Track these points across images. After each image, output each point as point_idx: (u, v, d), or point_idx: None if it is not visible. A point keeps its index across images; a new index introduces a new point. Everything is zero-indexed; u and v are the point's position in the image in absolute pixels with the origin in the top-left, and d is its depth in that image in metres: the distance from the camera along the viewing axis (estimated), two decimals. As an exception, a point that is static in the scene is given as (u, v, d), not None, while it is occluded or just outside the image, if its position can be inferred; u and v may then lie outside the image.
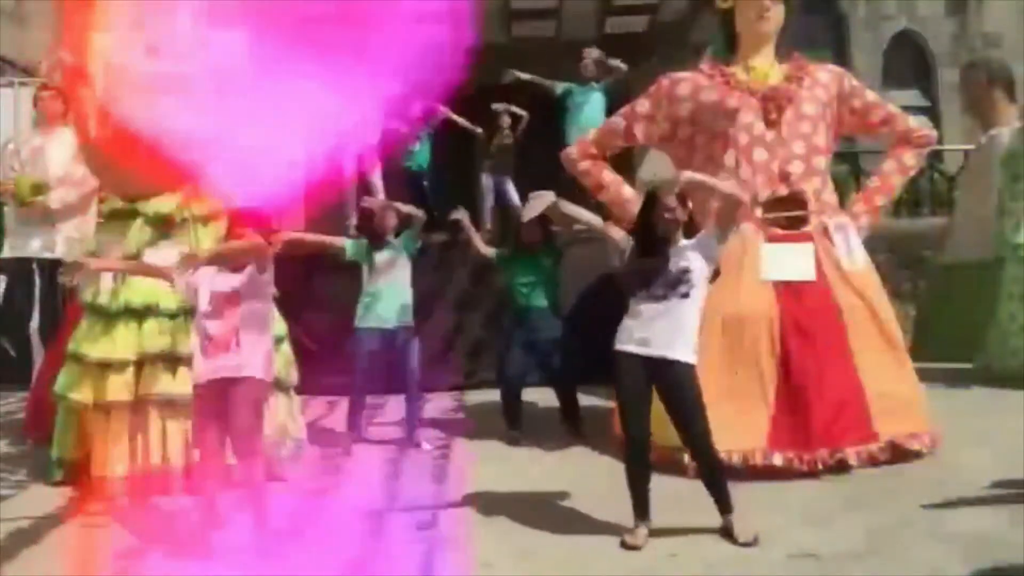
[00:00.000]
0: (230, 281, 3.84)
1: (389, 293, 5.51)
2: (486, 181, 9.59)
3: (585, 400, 5.72)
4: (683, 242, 3.84)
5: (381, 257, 5.57)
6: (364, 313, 5.54)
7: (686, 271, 3.76)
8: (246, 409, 3.71)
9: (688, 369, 3.75)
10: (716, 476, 3.82)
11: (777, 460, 4.53)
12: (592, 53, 8.90)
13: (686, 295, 3.74)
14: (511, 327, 5.78)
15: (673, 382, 3.74)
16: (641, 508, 3.76)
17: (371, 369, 5.51)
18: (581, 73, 8.89)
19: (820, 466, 4.53)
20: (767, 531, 3.74)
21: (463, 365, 7.38)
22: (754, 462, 4.51)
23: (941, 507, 4.00)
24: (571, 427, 5.61)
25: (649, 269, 3.79)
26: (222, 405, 3.71)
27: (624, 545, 3.66)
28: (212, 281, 3.85)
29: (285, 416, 4.91)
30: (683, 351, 3.74)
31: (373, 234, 5.70)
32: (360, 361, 5.48)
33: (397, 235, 5.69)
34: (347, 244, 5.74)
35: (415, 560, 3.60)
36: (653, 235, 3.85)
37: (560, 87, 8.98)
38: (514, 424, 5.60)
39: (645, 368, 3.74)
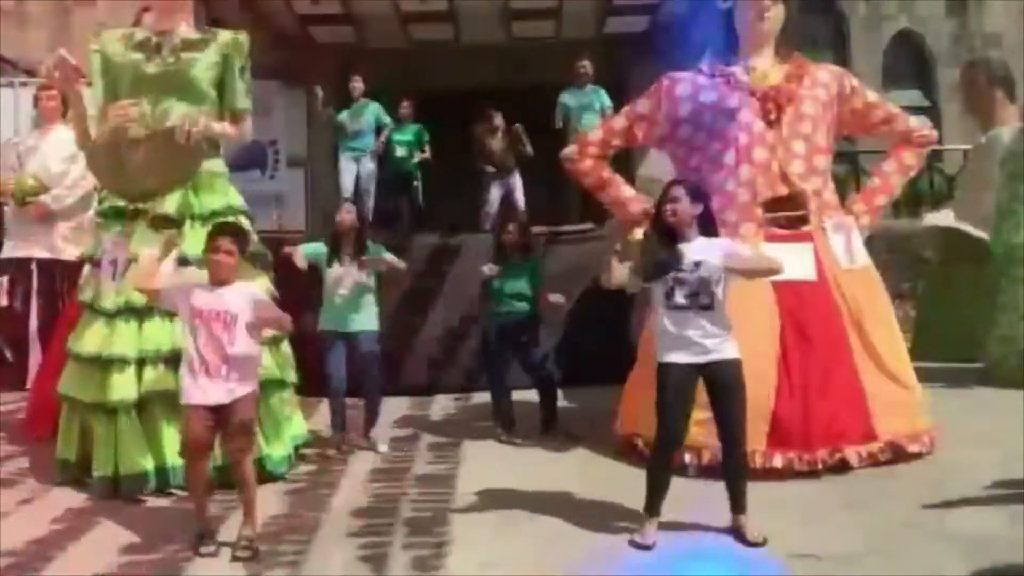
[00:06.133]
0: (227, 301, 3.77)
1: (350, 299, 5.40)
2: (495, 192, 9.54)
3: (585, 401, 5.71)
4: (697, 240, 3.83)
5: (341, 265, 5.45)
6: (323, 316, 5.48)
7: (699, 265, 3.73)
8: (240, 418, 3.69)
9: (738, 365, 3.79)
10: (740, 473, 3.83)
11: (777, 460, 4.52)
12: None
13: (707, 307, 3.73)
14: (495, 333, 5.74)
15: (727, 381, 3.76)
16: (655, 507, 3.74)
17: (338, 372, 5.44)
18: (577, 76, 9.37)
19: (820, 466, 4.52)
20: (767, 531, 3.73)
21: (463, 366, 7.35)
22: (754, 462, 4.50)
23: (941, 507, 3.99)
24: (547, 429, 5.57)
25: (661, 261, 3.77)
26: (215, 420, 3.69)
27: (634, 544, 3.64)
28: (207, 299, 3.78)
29: (283, 416, 4.90)
30: (730, 350, 3.77)
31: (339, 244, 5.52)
32: (327, 365, 5.43)
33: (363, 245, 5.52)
34: (305, 247, 5.54)
35: (414, 560, 3.60)
36: (663, 227, 3.85)
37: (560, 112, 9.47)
38: (507, 427, 5.59)
39: (695, 372, 3.75)
